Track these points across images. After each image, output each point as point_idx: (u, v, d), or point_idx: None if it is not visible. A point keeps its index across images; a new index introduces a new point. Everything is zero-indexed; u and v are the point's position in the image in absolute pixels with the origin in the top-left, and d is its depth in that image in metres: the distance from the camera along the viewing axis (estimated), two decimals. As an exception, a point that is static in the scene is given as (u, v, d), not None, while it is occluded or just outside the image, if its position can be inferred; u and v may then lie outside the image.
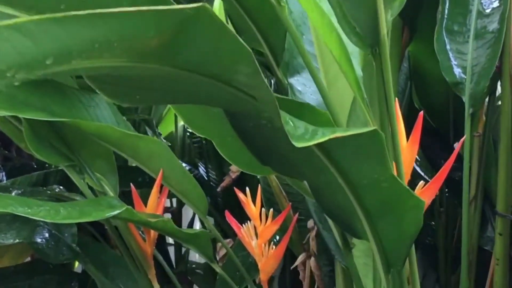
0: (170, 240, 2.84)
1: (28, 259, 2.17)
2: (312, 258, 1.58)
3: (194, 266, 2.73)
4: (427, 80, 1.87)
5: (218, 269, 1.43)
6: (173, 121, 2.55)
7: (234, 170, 1.56)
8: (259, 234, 1.37)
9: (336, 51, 0.97)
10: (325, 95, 1.01)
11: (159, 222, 1.24)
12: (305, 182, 1.06)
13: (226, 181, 1.58)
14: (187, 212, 2.69)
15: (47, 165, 2.09)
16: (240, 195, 1.39)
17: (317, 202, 1.06)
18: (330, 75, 1.24)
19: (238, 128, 1.03)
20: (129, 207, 1.16)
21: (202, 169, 2.32)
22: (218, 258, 2.02)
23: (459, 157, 1.33)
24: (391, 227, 0.98)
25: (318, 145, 0.84)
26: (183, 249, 2.62)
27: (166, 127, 2.67)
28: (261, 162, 1.01)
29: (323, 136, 0.79)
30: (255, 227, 1.38)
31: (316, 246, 1.58)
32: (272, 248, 1.39)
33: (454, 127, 1.89)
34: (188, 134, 2.45)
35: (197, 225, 2.78)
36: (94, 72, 0.73)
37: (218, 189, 1.62)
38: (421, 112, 1.05)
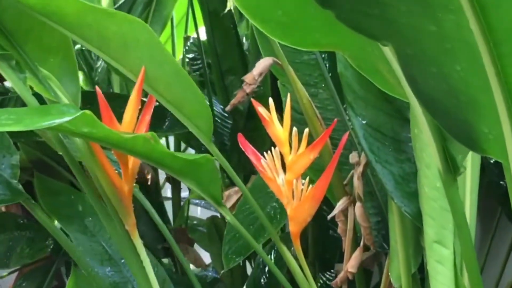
0: (167, 193, 2.41)
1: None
2: (358, 204, 1.13)
3: (195, 222, 2.32)
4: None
5: (228, 216, 0.99)
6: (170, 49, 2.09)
7: (250, 80, 1.10)
8: (288, 166, 0.93)
9: None
10: None
11: (138, 140, 0.79)
12: (388, 48, 0.60)
13: (238, 97, 1.13)
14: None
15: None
16: (261, 109, 0.94)
17: (410, 85, 0.60)
18: None
19: None
20: (88, 112, 0.71)
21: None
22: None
23: None
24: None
25: None
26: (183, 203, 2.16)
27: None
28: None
29: None
30: (281, 157, 0.94)
31: (362, 188, 1.14)
32: (307, 187, 0.94)
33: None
34: (187, 60, 1.99)
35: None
36: None
37: (227, 108, 1.16)
38: None
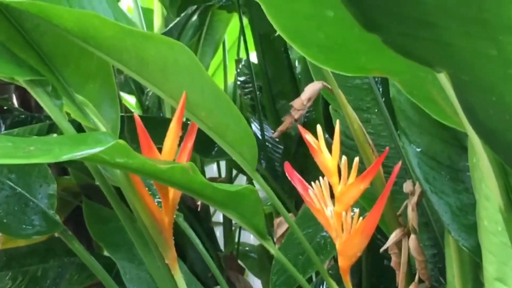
0: (219, 217, 2.37)
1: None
2: (412, 237, 1.06)
3: (247, 248, 2.27)
4: None
5: (273, 250, 0.93)
6: (221, 78, 2.05)
7: (298, 105, 1.05)
8: (337, 198, 0.88)
9: None
10: None
11: (176, 170, 0.74)
12: (442, 74, 0.54)
13: (286, 123, 1.08)
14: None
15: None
16: (309, 137, 0.90)
17: (467, 115, 0.54)
18: None
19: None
20: (122, 141, 0.67)
21: (255, 126, 1.81)
22: (275, 239, 1.54)
23: None
24: None
25: None
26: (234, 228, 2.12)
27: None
28: (366, 22, 0.48)
29: None
30: (330, 187, 0.89)
31: (416, 219, 1.07)
32: (357, 219, 0.89)
33: None
34: (239, 83, 1.95)
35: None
36: None
37: (275, 134, 1.11)
38: None
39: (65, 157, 0.64)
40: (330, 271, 1.62)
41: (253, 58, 1.84)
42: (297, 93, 1.72)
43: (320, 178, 0.90)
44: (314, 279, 1.62)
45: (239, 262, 2.06)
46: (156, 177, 0.77)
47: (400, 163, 0.92)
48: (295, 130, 1.71)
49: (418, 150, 1.03)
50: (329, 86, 1.08)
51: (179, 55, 0.82)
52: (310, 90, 1.08)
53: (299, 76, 1.79)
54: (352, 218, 0.89)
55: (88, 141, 0.73)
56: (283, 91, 1.74)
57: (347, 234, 0.89)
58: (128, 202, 0.92)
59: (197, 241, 1.20)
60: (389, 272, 1.63)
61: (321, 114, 1.55)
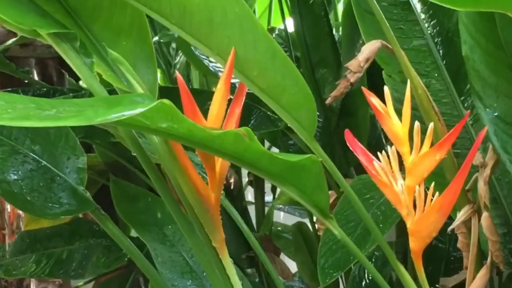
0: (249, 196, 2.26)
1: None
2: (485, 214, 0.94)
3: (279, 228, 2.17)
4: None
5: (337, 231, 0.81)
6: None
7: (355, 67, 0.93)
8: (408, 169, 0.76)
9: None
10: None
11: (229, 136, 0.62)
12: None
13: (341, 87, 0.95)
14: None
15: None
16: (375, 101, 0.78)
17: None
18: None
19: None
20: (168, 101, 0.55)
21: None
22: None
23: None
24: None
25: None
26: (266, 208, 2.03)
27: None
28: None
29: None
30: (398, 157, 0.77)
31: (488, 195, 0.95)
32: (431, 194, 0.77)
33: None
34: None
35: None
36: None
37: (328, 101, 0.98)
38: None
39: (99, 120, 0.53)
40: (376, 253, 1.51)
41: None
42: (339, 62, 1.61)
43: (388, 147, 0.78)
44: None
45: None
46: (205, 145, 0.65)
47: (484, 130, 0.79)
48: (336, 102, 1.59)
49: (495, 114, 0.90)
50: (390, 46, 0.95)
51: (227, 3, 0.70)
52: (368, 49, 0.95)
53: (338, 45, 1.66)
54: (426, 193, 0.78)
55: (124, 102, 0.61)
56: (324, 60, 1.61)
57: (421, 212, 0.77)
58: (167, 177, 0.80)
59: (239, 219, 1.09)
60: (439, 252, 1.52)
61: (366, 81, 1.42)
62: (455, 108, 1.09)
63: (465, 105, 1.08)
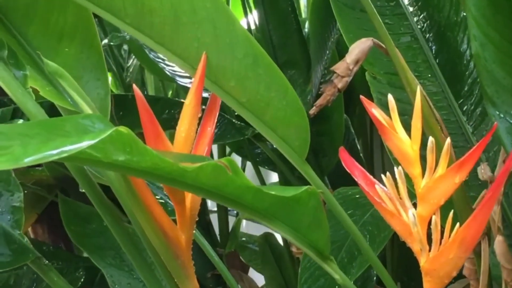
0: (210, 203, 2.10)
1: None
2: (500, 239, 0.81)
3: (244, 239, 2.03)
4: None
5: (337, 275, 0.66)
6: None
7: (343, 70, 0.78)
8: (420, 195, 0.62)
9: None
10: None
11: (205, 170, 0.47)
12: None
13: (328, 94, 0.80)
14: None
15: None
16: (377, 112, 0.64)
17: None
18: None
19: None
20: (125, 129, 0.40)
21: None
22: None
23: None
24: None
25: None
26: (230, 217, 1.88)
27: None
28: None
29: None
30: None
31: (501, 217, 0.82)
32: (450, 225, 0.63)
33: None
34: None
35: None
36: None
37: (312, 111, 0.84)
38: None
39: (30, 159, 0.38)
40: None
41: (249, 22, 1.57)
42: (308, 62, 1.47)
43: (394, 168, 0.64)
44: None
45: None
46: (173, 180, 0.50)
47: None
48: (308, 105, 1.46)
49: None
50: (382, 44, 0.81)
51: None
52: (358, 49, 0.80)
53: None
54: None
55: (66, 128, 0.46)
56: (292, 60, 1.47)
57: (437, 246, 0.63)
58: (124, 209, 0.65)
59: (201, 239, 0.95)
60: (417, 266, 1.40)
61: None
62: (452, 114, 0.96)
63: (464, 109, 0.95)
